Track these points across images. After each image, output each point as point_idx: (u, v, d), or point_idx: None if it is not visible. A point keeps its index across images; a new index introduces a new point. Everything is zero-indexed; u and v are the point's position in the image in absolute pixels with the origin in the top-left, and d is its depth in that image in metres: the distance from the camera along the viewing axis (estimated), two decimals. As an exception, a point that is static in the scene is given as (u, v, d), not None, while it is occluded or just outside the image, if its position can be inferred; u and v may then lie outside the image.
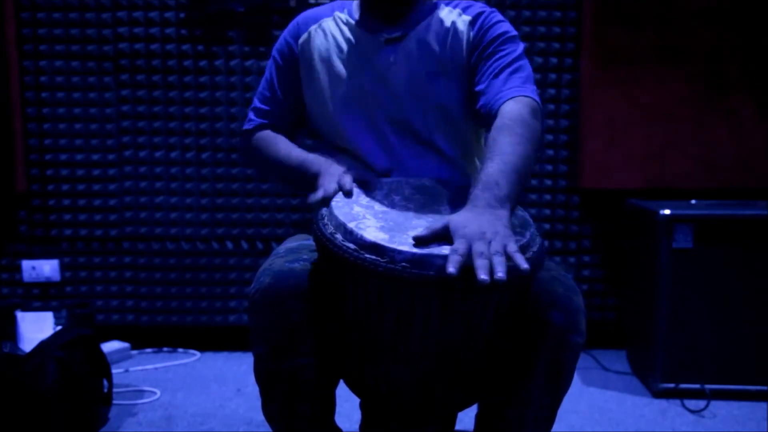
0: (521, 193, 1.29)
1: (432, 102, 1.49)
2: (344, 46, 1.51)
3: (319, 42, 1.53)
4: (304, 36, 1.54)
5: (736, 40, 2.83)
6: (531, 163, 1.31)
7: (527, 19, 2.90)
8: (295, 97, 1.58)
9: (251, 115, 1.61)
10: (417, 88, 1.48)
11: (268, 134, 1.58)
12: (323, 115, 1.54)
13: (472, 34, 1.49)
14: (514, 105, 1.36)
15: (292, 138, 1.61)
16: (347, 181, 1.34)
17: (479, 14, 1.50)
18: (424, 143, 1.51)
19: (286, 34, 1.58)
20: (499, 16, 1.51)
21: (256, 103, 1.61)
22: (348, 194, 1.31)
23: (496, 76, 1.42)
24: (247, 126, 1.62)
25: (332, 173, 1.39)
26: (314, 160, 1.47)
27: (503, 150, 1.27)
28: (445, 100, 1.49)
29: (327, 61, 1.52)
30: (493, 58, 1.45)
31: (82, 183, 2.96)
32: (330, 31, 1.53)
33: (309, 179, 1.44)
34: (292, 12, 2.64)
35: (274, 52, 1.60)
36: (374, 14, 1.52)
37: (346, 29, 1.53)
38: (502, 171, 1.23)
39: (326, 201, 1.30)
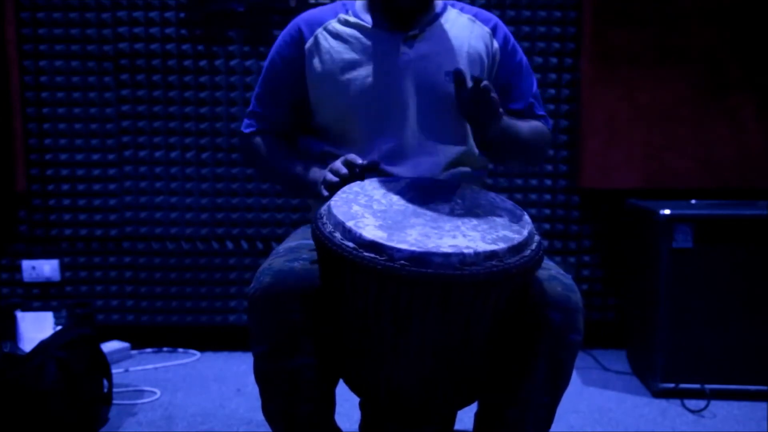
0: (505, 152, 1.57)
1: (448, 100, 1.50)
2: (357, 46, 1.52)
3: (327, 45, 1.53)
4: (311, 41, 1.54)
5: (736, 40, 2.82)
6: (524, 150, 1.59)
7: (527, 19, 2.90)
8: (298, 102, 1.58)
9: (252, 121, 1.62)
10: (434, 85, 1.51)
11: (267, 142, 1.61)
12: (336, 117, 1.54)
13: (497, 45, 1.58)
14: (544, 127, 1.64)
15: (293, 139, 1.62)
16: (339, 166, 1.39)
17: (496, 26, 1.60)
18: (437, 140, 1.52)
19: (287, 38, 1.57)
20: (510, 34, 1.63)
21: (256, 107, 1.62)
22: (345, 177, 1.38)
23: (532, 103, 1.63)
24: (246, 130, 1.63)
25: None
26: (312, 175, 1.51)
27: (516, 121, 1.53)
28: None
29: (340, 63, 1.52)
30: (526, 83, 1.63)
31: (82, 183, 2.96)
32: (338, 33, 1.53)
33: (312, 191, 1.50)
34: (292, 12, 2.65)
35: (275, 56, 1.58)
36: (387, 13, 1.53)
37: (355, 30, 1.53)
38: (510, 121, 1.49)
39: (333, 187, 1.37)
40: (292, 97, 1.58)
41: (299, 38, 1.55)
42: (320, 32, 1.54)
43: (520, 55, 1.62)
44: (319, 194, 1.43)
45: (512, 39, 1.61)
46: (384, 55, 1.51)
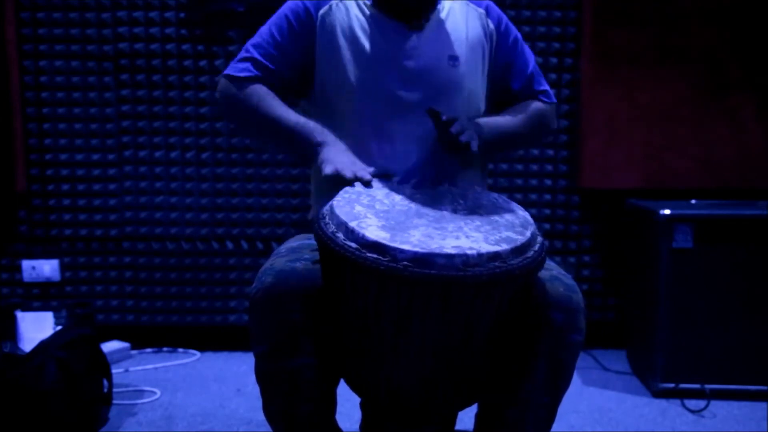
0: (498, 151, 1.67)
1: (451, 85, 1.53)
2: (367, 27, 1.53)
3: (340, 17, 1.54)
4: (325, 8, 1.54)
5: (736, 40, 2.83)
6: (522, 141, 1.71)
7: (527, 19, 2.90)
8: (301, 64, 1.55)
9: (248, 65, 1.53)
10: (439, 71, 1.53)
11: (262, 88, 1.52)
12: (341, 89, 1.53)
13: (492, 26, 1.61)
14: (544, 106, 1.68)
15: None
16: (365, 173, 1.39)
17: (488, 6, 1.63)
18: (441, 126, 1.52)
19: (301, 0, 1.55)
20: (502, 13, 1.66)
21: (255, 54, 1.53)
22: (367, 184, 1.37)
23: (531, 78, 1.66)
24: (239, 73, 1.53)
25: (339, 150, 1.44)
26: (316, 128, 1.48)
27: (509, 118, 1.60)
28: (465, 83, 1.55)
29: (351, 38, 1.53)
30: (522, 60, 1.65)
31: (82, 183, 2.96)
32: (352, 10, 1.55)
33: (308, 147, 1.46)
34: (293, 12, 2.64)
35: (288, 12, 1.55)
36: (392, 12, 1.54)
37: (367, 12, 1.55)
38: (490, 121, 1.55)
39: (341, 181, 1.35)
40: (297, 59, 1.54)
41: (317, 4, 1.55)
42: (335, 4, 1.55)
43: (514, 32, 1.65)
44: (312, 157, 1.45)
45: (505, 18, 1.64)
46: (390, 42, 1.53)
